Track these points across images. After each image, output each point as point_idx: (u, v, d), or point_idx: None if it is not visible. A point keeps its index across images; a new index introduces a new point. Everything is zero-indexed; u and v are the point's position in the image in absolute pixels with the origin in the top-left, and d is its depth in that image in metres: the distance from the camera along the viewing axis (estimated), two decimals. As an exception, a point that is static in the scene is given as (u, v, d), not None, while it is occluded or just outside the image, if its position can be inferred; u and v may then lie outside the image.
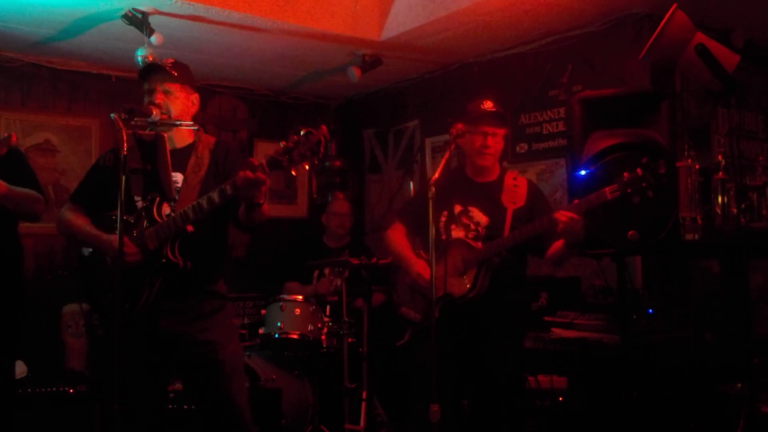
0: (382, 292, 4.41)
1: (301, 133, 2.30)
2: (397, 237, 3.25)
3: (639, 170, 2.58)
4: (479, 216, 3.03)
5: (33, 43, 4.50)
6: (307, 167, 2.34)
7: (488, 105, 3.06)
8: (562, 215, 2.69)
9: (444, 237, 3.05)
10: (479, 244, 2.97)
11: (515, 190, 3.05)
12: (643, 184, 2.58)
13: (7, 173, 3.00)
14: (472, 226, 3.03)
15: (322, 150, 2.31)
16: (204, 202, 2.47)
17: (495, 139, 3.03)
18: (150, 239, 2.55)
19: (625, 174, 2.60)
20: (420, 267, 3.06)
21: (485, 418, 3.00)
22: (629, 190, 2.59)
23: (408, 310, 3.16)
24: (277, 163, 2.32)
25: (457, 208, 3.07)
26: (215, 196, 2.45)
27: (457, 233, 3.04)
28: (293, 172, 2.36)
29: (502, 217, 2.99)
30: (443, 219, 3.07)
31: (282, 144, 2.32)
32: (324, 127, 2.33)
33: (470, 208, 3.05)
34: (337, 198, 5.41)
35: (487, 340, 2.96)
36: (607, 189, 2.64)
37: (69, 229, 2.78)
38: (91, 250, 2.74)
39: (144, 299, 2.56)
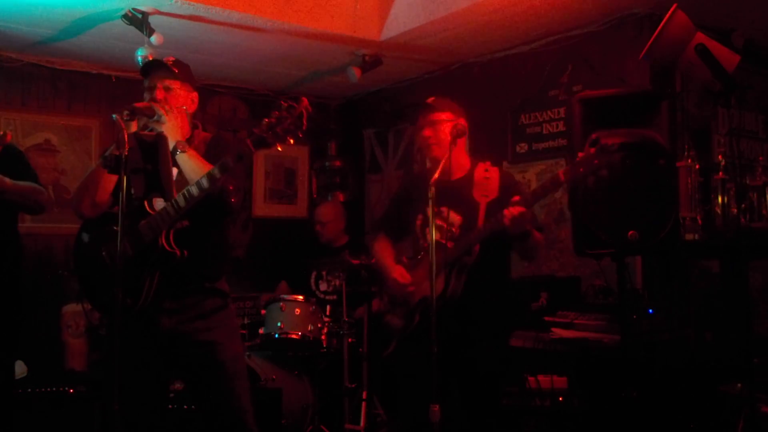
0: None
1: (284, 107, 2.31)
2: (380, 247, 3.24)
3: (591, 149, 2.56)
4: (453, 216, 2.97)
5: (33, 43, 4.50)
6: (291, 141, 2.34)
7: (429, 99, 3.05)
8: (510, 213, 2.70)
9: (421, 241, 3.03)
10: (452, 244, 2.95)
11: (486, 183, 2.99)
12: (595, 162, 2.56)
13: (6, 170, 3.03)
14: (446, 227, 2.98)
15: (305, 122, 2.31)
16: (194, 188, 2.47)
17: (435, 128, 2.99)
18: (144, 232, 2.54)
19: (579, 154, 2.59)
20: (396, 273, 3.04)
21: (472, 418, 2.98)
22: (582, 170, 2.58)
23: (391, 318, 3.12)
24: (262, 140, 2.33)
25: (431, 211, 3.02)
26: (205, 180, 2.45)
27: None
28: (279, 148, 2.35)
29: (475, 213, 2.94)
30: (418, 223, 3.04)
31: (265, 121, 2.32)
32: (305, 100, 2.35)
33: (442, 209, 2.96)
34: (321, 204, 5.35)
35: (468, 340, 2.93)
36: (560, 171, 2.66)
37: None
38: (90, 246, 2.73)
39: (144, 294, 2.55)
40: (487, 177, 3.00)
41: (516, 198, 2.75)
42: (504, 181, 3.02)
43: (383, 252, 3.21)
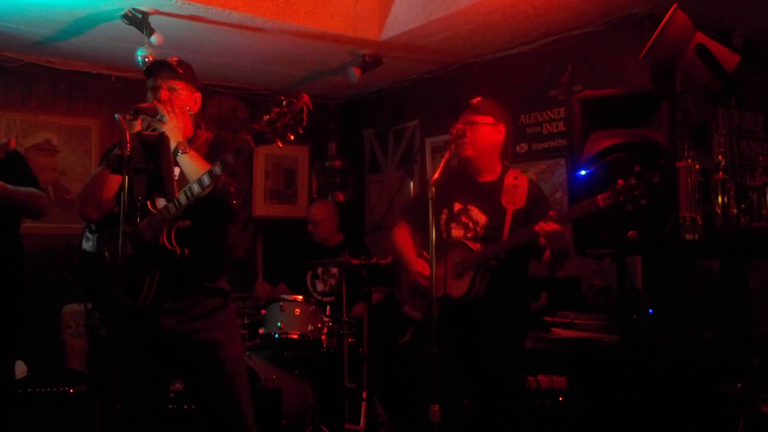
0: (381, 292, 4.42)
1: (284, 103, 2.31)
2: (402, 236, 3.27)
3: (632, 179, 2.59)
4: (478, 215, 3.03)
5: (33, 43, 4.50)
6: (292, 137, 2.34)
7: (474, 99, 3.07)
8: (542, 228, 2.72)
9: (444, 236, 3.05)
10: (478, 245, 2.97)
11: (515, 190, 3.04)
12: (636, 193, 2.60)
13: (7, 175, 3.04)
14: (471, 225, 3.03)
15: (305, 118, 2.31)
16: (195, 186, 2.47)
17: (473, 129, 3.01)
18: (145, 231, 2.55)
19: (619, 182, 2.62)
20: (419, 266, 3.08)
21: (485, 418, 3.01)
22: (622, 199, 2.62)
23: (410, 309, 3.19)
24: (262, 136, 2.33)
25: (457, 207, 3.07)
26: (206, 177, 2.46)
27: (456, 232, 3.04)
28: (279, 144, 2.36)
29: (501, 218, 2.99)
30: (443, 217, 3.08)
31: (265, 117, 2.32)
32: (305, 96, 2.34)
33: (470, 207, 3.05)
34: (313, 203, 5.35)
35: (487, 339, 2.97)
36: (599, 197, 2.67)
37: None
38: (91, 247, 2.73)
39: (144, 293, 2.55)
40: (516, 185, 3.05)
41: (552, 214, 2.78)
42: (532, 192, 3.06)
43: (404, 242, 3.25)
